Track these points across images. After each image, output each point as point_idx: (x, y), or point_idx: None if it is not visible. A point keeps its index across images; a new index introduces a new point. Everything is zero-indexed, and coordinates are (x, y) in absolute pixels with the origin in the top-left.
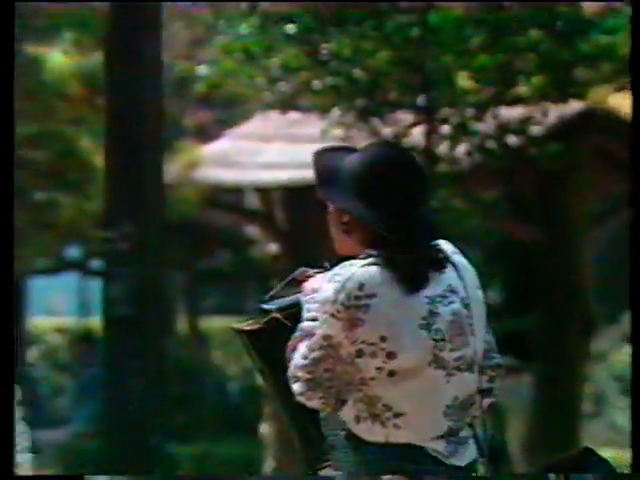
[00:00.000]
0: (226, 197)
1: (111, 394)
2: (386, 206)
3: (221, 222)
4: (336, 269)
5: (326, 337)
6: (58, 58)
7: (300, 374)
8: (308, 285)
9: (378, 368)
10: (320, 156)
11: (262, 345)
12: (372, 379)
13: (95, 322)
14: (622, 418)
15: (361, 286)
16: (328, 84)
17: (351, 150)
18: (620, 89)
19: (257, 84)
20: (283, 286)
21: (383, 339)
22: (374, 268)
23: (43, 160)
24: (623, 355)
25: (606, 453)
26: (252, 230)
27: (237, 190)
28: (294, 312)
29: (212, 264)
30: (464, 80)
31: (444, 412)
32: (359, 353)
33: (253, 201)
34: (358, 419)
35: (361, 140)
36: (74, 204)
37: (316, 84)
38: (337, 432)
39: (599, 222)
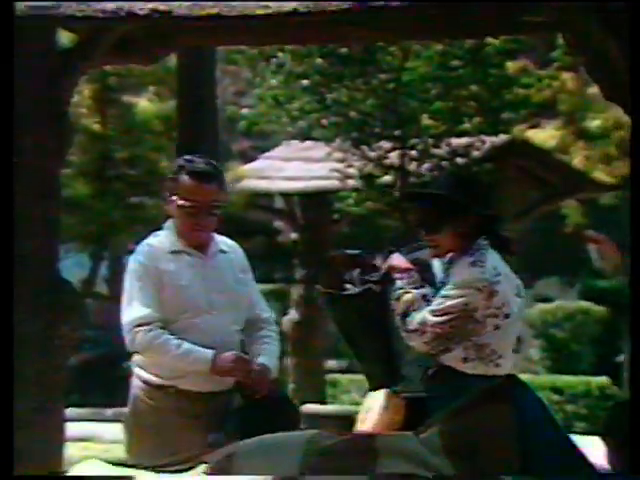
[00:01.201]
0: (260, 200)
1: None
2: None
3: (257, 218)
4: (477, 256)
5: (467, 304)
6: (145, 104)
7: (430, 329)
8: (400, 265)
9: (494, 324)
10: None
11: (353, 306)
12: (485, 332)
13: None
14: (534, 353)
15: (494, 267)
16: (332, 122)
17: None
18: (533, 127)
19: (282, 122)
20: (328, 262)
21: (504, 304)
22: (494, 252)
23: (135, 175)
24: (534, 310)
25: (524, 377)
26: (278, 223)
27: (268, 195)
28: (384, 282)
29: (251, 247)
30: (426, 119)
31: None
32: (489, 314)
33: (279, 203)
34: (466, 360)
35: (354, 160)
36: (155, 205)
37: (323, 122)
38: (415, 369)
39: (519, 217)
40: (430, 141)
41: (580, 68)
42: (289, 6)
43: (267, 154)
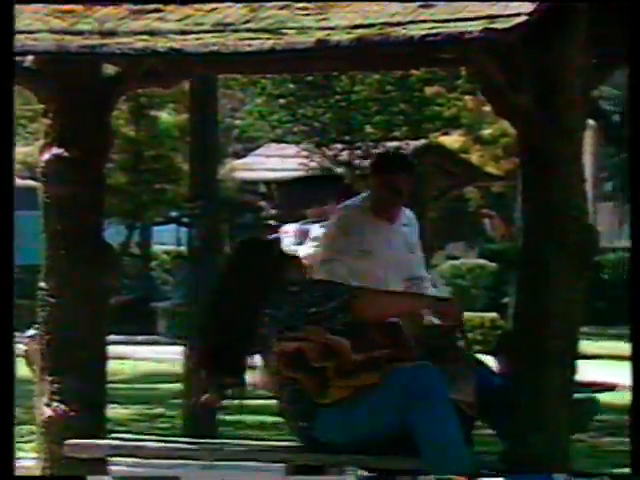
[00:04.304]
0: (248, 186)
1: (191, 285)
2: None
3: (246, 198)
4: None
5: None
6: (166, 117)
7: None
8: (285, 230)
9: None
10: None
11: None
12: None
13: (184, 249)
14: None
15: None
16: (301, 130)
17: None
18: (444, 134)
19: (264, 130)
20: None
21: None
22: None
23: (159, 168)
24: (446, 265)
25: None
26: (261, 202)
27: (254, 183)
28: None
29: (241, 220)
30: (368, 128)
31: None
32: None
33: (262, 188)
34: None
35: (316, 157)
36: (174, 190)
37: (294, 130)
38: None
39: (436, 199)
40: (371, 144)
41: (477, 92)
42: (268, 44)
43: (253, 153)
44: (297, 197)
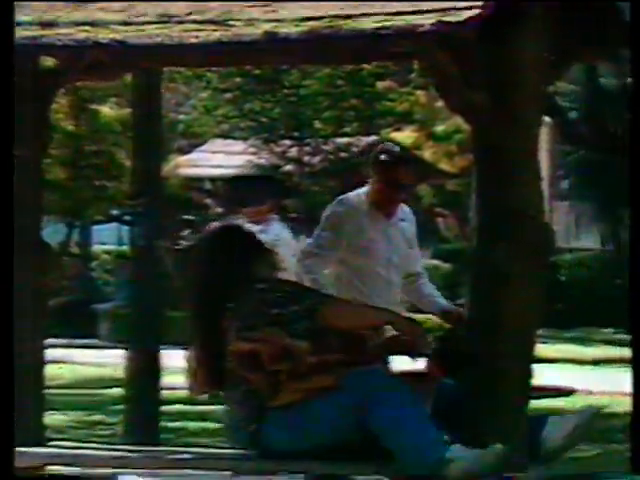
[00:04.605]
0: (193, 183)
1: (134, 287)
2: None
3: (190, 195)
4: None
5: None
6: (107, 111)
7: None
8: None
9: None
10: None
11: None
12: None
13: (126, 249)
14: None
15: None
16: (247, 125)
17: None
18: (396, 130)
19: (210, 125)
20: None
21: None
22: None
23: (100, 164)
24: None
25: None
26: (206, 200)
27: (199, 180)
28: None
29: (186, 216)
30: (318, 124)
31: None
32: None
33: (207, 185)
34: None
35: (264, 154)
36: (115, 187)
37: (241, 125)
38: None
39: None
40: (320, 140)
41: (430, 87)
42: (215, 36)
43: (199, 149)
44: (241, 195)
